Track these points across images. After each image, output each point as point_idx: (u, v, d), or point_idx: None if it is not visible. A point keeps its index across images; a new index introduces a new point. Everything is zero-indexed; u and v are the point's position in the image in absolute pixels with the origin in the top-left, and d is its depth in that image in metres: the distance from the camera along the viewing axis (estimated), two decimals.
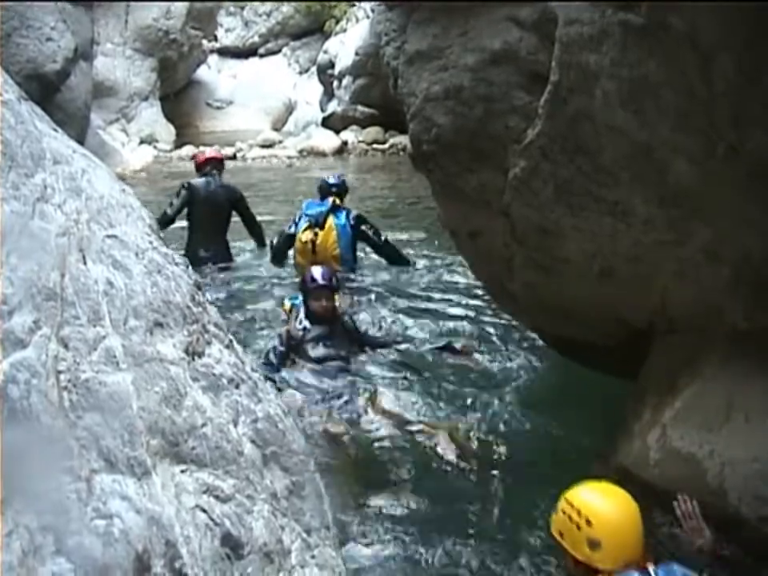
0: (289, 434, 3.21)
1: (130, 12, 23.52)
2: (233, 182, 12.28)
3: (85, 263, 2.65)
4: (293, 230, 10.55)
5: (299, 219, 10.49)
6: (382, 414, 6.74)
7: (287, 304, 8.30)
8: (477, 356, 7.77)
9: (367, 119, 24.27)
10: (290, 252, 10.69)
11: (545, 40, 4.74)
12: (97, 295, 2.61)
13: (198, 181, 10.89)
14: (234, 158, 23.16)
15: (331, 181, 10.92)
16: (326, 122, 24.85)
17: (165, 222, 10.02)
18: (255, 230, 11.45)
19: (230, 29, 34.27)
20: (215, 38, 32.15)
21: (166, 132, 23.82)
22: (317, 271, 7.84)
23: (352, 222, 10.43)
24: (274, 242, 10.94)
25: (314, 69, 29.66)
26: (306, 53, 32.52)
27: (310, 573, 2.93)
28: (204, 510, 2.50)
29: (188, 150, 22.62)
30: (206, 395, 2.85)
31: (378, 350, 7.88)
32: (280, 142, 24.84)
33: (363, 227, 10.52)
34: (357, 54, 24.04)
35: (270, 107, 29.25)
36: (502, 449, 6.19)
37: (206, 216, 10.61)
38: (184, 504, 2.44)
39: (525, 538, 5.15)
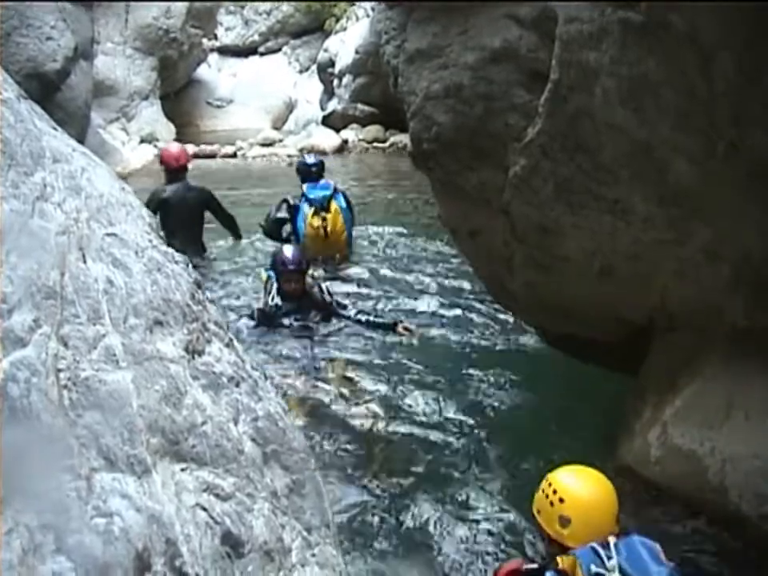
0: (289, 433, 3.21)
1: (130, 11, 23.51)
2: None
3: (84, 262, 2.65)
4: (281, 213, 10.90)
5: (300, 203, 10.83)
6: (340, 379, 7.58)
7: (264, 275, 8.87)
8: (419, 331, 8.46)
9: (367, 118, 24.27)
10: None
11: (545, 38, 4.74)
12: (97, 293, 2.61)
13: (168, 190, 10.82)
14: (234, 156, 23.18)
15: (310, 161, 11.54)
16: (327, 121, 24.84)
17: None
18: (231, 226, 11.58)
19: (230, 27, 34.25)
20: (215, 37, 32.14)
21: (167, 131, 23.79)
22: (288, 253, 8.65)
23: (347, 201, 11.12)
24: (263, 224, 11.10)
25: (314, 67, 29.64)
26: (306, 51, 32.51)
27: (310, 571, 2.93)
28: (204, 509, 2.50)
29: (188, 149, 22.60)
30: (206, 393, 2.85)
31: (344, 321, 8.58)
32: (280, 140, 24.83)
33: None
34: (357, 52, 24.04)
35: (270, 106, 29.24)
36: (496, 441, 6.25)
37: (181, 221, 10.54)
38: (184, 502, 2.44)
39: (523, 534, 5.16)
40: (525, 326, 7.73)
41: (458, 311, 9.19)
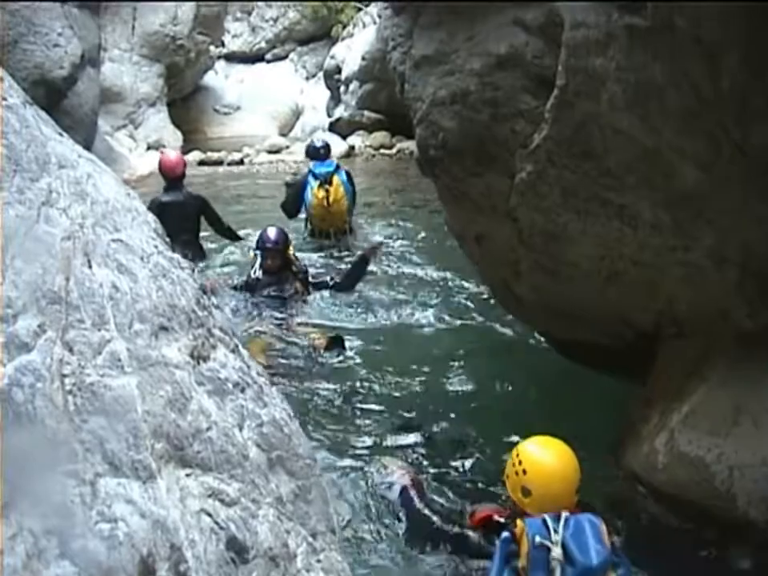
0: (294, 438, 3.20)
1: (137, 18, 23.53)
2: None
3: (90, 267, 2.65)
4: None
5: (308, 178, 12.52)
6: (298, 329, 8.94)
7: (251, 253, 10.11)
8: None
9: (374, 124, 24.26)
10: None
11: (551, 44, 4.73)
12: (102, 299, 2.61)
13: (167, 198, 11.29)
14: (241, 163, 23.18)
15: (318, 144, 13.31)
16: (333, 127, 24.82)
17: None
18: (225, 232, 12.10)
19: (237, 34, 34.29)
20: (222, 44, 32.13)
21: (174, 138, 23.79)
22: (271, 233, 9.73)
23: (349, 177, 12.83)
24: (285, 200, 12.82)
25: (320, 74, 29.64)
26: (313, 58, 32.54)
27: None
28: (209, 514, 2.50)
29: (195, 155, 22.65)
30: (211, 399, 2.85)
31: (319, 293, 9.87)
32: (287, 147, 24.78)
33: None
34: (363, 59, 24.03)
35: (277, 112, 29.25)
36: (497, 447, 6.25)
37: (179, 226, 10.51)
38: (189, 508, 2.44)
39: None
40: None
41: (461, 320, 9.28)
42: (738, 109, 3.99)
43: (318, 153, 12.93)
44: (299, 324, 9.15)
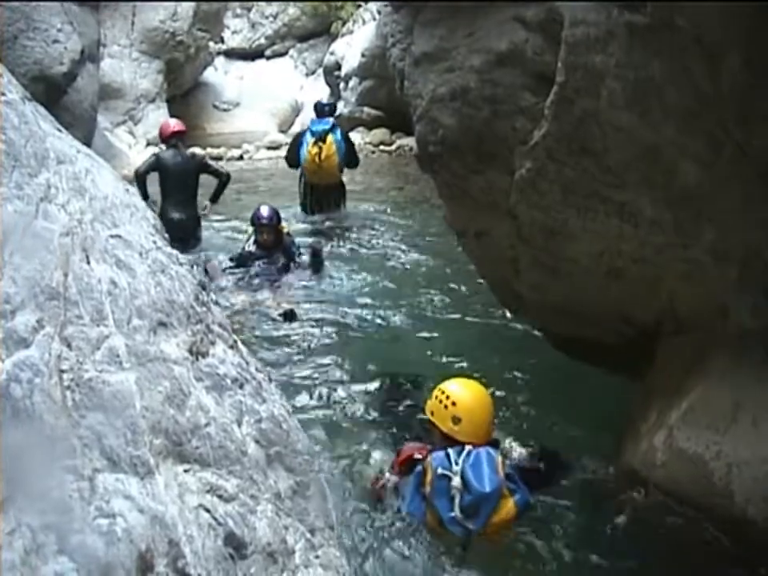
0: (293, 434, 3.20)
1: (136, 14, 23.52)
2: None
3: (88, 263, 2.65)
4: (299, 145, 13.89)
5: (304, 135, 13.85)
6: (278, 302, 9.73)
7: (250, 230, 11.11)
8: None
9: (374, 121, 24.27)
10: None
11: (551, 41, 4.73)
12: (100, 295, 2.61)
13: (166, 153, 12.33)
14: (241, 159, 23.18)
15: (325, 102, 14.96)
16: None
17: (138, 180, 11.78)
18: (221, 186, 12.70)
19: (237, 31, 34.27)
20: (222, 40, 32.13)
21: None
22: (264, 211, 10.84)
23: (345, 136, 14.05)
24: (287, 153, 14.37)
25: (320, 71, 29.65)
26: (313, 55, 32.54)
27: (313, 573, 2.92)
28: (207, 510, 2.50)
29: (195, 151, 22.65)
30: (209, 395, 2.85)
31: (304, 269, 10.80)
32: (287, 143, 24.80)
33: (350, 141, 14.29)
34: (363, 55, 24.03)
35: (276, 109, 29.21)
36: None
37: (176, 183, 12.02)
38: (187, 503, 2.44)
39: (528, 539, 5.16)
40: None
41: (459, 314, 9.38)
42: (739, 109, 3.98)
43: (323, 110, 14.08)
44: (281, 294, 10.16)
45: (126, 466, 2.30)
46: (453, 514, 4.88)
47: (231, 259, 10.77)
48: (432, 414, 5.21)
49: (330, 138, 13.64)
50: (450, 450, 4.94)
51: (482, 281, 7.37)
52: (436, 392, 5.26)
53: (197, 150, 13.64)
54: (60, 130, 3.21)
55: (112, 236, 2.89)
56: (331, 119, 13.97)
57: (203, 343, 2.99)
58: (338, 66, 26.38)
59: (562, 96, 4.66)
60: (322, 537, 3.10)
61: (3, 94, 2.85)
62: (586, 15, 4.35)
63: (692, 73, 4.00)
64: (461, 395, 5.18)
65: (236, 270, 10.57)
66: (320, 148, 13.56)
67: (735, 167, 4.20)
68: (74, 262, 2.58)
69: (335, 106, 14.98)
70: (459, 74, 5.29)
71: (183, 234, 11.12)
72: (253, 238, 10.91)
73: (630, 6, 4.10)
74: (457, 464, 4.89)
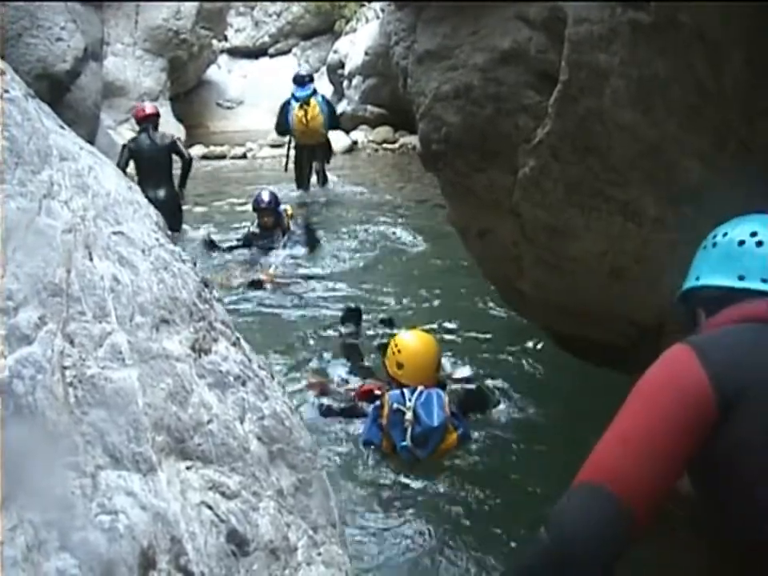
0: (296, 432, 3.20)
1: (140, 12, 23.56)
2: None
3: (91, 260, 2.65)
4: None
5: (289, 103, 16.16)
6: (271, 279, 10.81)
7: (253, 215, 12.36)
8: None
9: (377, 119, 24.28)
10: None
11: (554, 39, 4.73)
12: (103, 291, 2.60)
13: (137, 138, 13.54)
14: (244, 157, 23.19)
15: (302, 73, 17.51)
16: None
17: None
18: (186, 169, 13.75)
19: (240, 29, 34.26)
20: (225, 38, 32.13)
21: (176, 132, 23.59)
22: (264, 195, 12.11)
23: (326, 100, 16.71)
24: (276, 121, 16.82)
25: (323, 69, 29.62)
26: (316, 53, 32.53)
27: (316, 570, 2.92)
28: (209, 507, 2.49)
29: (198, 149, 22.66)
30: (212, 392, 2.84)
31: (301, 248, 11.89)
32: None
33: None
34: (367, 53, 24.03)
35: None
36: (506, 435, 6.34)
37: (150, 164, 13.03)
38: (189, 500, 2.43)
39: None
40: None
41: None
42: (743, 107, 3.98)
43: (302, 79, 16.49)
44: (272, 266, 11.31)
45: (129, 462, 2.30)
46: (405, 443, 5.90)
47: (237, 240, 12.20)
48: (387, 359, 6.36)
49: (312, 101, 16.00)
50: (405, 390, 6.00)
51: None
52: (392, 342, 6.41)
53: (168, 133, 14.25)
54: (63, 128, 3.20)
55: (114, 233, 2.89)
56: (312, 85, 16.51)
57: (206, 340, 2.98)
58: (342, 65, 26.36)
59: (565, 94, 4.66)
60: (324, 534, 3.10)
61: (6, 91, 2.85)
62: (589, 13, 4.35)
63: (696, 70, 4.00)
64: (406, 344, 6.30)
65: (239, 249, 11.97)
66: (305, 111, 15.93)
67: (739, 165, 4.19)
68: (77, 258, 2.58)
69: (312, 76, 17.30)
70: (462, 72, 5.29)
71: (163, 211, 11.20)
72: (255, 222, 12.16)
73: (634, 3, 4.10)
74: (410, 401, 5.93)
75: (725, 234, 2.73)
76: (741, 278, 2.56)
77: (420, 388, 5.98)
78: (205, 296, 3.18)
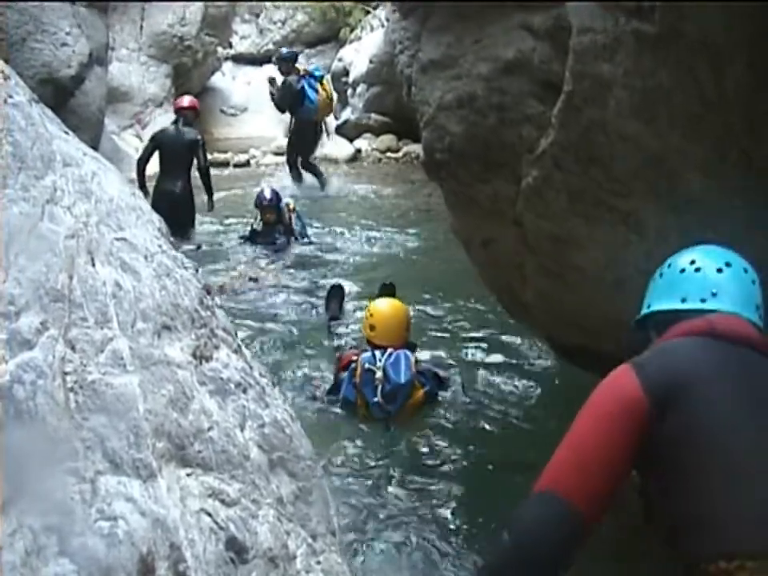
0: (296, 439, 3.21)
1: (145, 18, 23.55)
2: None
3: (93, 265, 2.65)
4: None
5: (304, 81, 16.83)
6: (271, 276, 11.11)
7: (256, 211, 12.83)
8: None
9: (381, 127, 24.24)
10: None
11: (558, 49, 4.72)
12: (105, 297, 2.60)
13: (165, 129, 13.96)
14: (247, 164, 23.18)
15: (287, 51, 18.44)
16: (340, 130, 24.80)
17: (139, 165, 13.33)
18: (205, 179, 13.55)
19: (245, 36, 34.25)
20: (230, 45, 32.09)
21: None
22: (266, 193, 12.64)
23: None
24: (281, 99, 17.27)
25: (328, 77, 29.67)
26: (321, 61, 32.41)
27: None
28: (209, 514, 2.50)
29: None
30: (213, 399, 2.85)
31: (303, 245, 12.53)
32: None
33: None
34: (371, 62, 24.02)
35: (284, 115, 29.23)
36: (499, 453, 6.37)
37: (170, 155, 13.20)
38: (189, 507, 2.44)
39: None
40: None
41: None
42: (745, 114, 3.98)
43: (296, 56, 18.08)
44: (273, 262, 11.76)
45: (129, 468, 2.30)
46: (376, 399, 6.65)
47: (242, 237, 12.75)
48: (363, 323, 7.24)
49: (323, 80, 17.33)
50: (376, 352, 6.81)
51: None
52: (366, 308, 7.36)
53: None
54: (66, 133, 3.21)
55: (117, 239, 2.89)
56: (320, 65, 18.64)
57: (207, 347, 2.99)
58: (346, 72, 26.35)
59: (569, 104, 4.66)
60: (323, 542, 3.10)
61: (11, 96, 2.85)
62: (593, 23, 4.35)
63: (698, 78, 4.00)
64: (377, 309, 7.17)
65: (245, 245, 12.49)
66: (326, 89, 17.24)
67: (741, 176, 4.19)
68: (79, 264, 2.58)
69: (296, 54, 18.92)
70: (466, 82, 5.29)
71: (178, 204, 12.59)
72: (258, 218, 12.67)
73: (638, 13, 4.10)
74: (380, 361, 6.72)
75: (669, 265, 3.24)
76: (683, 300, 3.03)
77: (390, 350, 6.80)
78: (206, 303, 3.18)
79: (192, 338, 2.94)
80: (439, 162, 5.75)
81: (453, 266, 10.18)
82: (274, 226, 12.52)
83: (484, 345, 8.53)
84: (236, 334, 3.37)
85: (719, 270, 3.07)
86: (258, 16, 34.20)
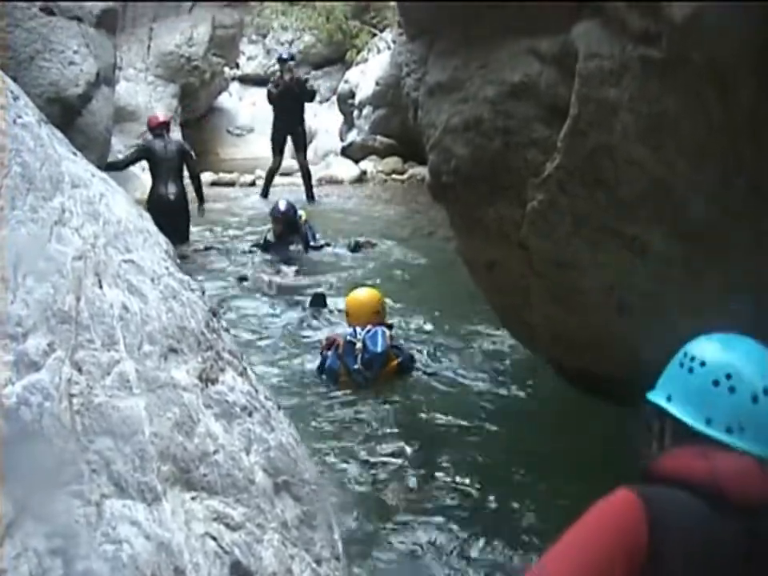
0: (301, 463, 3.19)
1: (152, 38, 23.62)
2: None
3: (101, 287, 2.65)
4: None
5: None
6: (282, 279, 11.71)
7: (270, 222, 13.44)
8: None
9: (386, 149, 24.23)
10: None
11: (565, 73, 4.74)
12: (112, 319, 2.60)
13: (153, 142, 14.35)
14: (253, 185, 23.19)
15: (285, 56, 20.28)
16: (346, 152, 24.82)
17: (115, 166, 13.85)
18: (197, 185, 14.62)
19: (252, 57, 34.34)
20: (237, 66, 32.22)
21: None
22: (281, 205, 13.17)
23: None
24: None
25: (334, 98, 29.65)
26: (327, 82, 32.55)
27: None
28: (214, 538, 2.49)
29: (208, 176, 22.67)
30: (218, 422, 2.84)
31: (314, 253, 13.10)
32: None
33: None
34: (377, 84, 24.04)
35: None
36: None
37: (163, 167, 13.83)
38: (194, 531, 2.43)
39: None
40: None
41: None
42: (752, 141, 3.98)
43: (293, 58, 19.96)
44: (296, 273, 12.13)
45: (134, 491, 2.30)
46: (356, 366, 7.71)
47: (256, 245, 13.36)
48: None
49: None
50: (357, 328, 7.87)
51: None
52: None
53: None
54: (75, 154, 3.21)
55: (125, 261, 2.89)
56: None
57: (213, 370, 2.98)
58: (352, 94, 26.37)
59: (575, 129, 4.67)
60: (328, 567, 3.09)
61: (20, 117, 2.86)
62: (600, 48, 4.37)
63: (706, 104, 4.01)
64: (350, 296, 8.45)
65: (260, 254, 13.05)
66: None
67: (747, 203, 4.19)
68: (87, 286, 2.58)
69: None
70: (473, 105, 5.30)
71: (174, 208, 13.29)
72: (272, 228, 13.19)
73: (645, 39, 4.11)
74: (359, 335, 7.78)
75: (702, 364, 2.65)
76: (708, 422, 2.56)
77: (368, 326, 7.88)
78: (213, 325, 3.18)
79: (198, 360, 2.94)
80: (445, 185, 5.76)
81: (453, 288, 10.20)
82: (287, 237, 13.06)
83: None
84: (242, 357, 3.36)
85: (755, 400, 2.72)
86: (264, 37, 34.31)
